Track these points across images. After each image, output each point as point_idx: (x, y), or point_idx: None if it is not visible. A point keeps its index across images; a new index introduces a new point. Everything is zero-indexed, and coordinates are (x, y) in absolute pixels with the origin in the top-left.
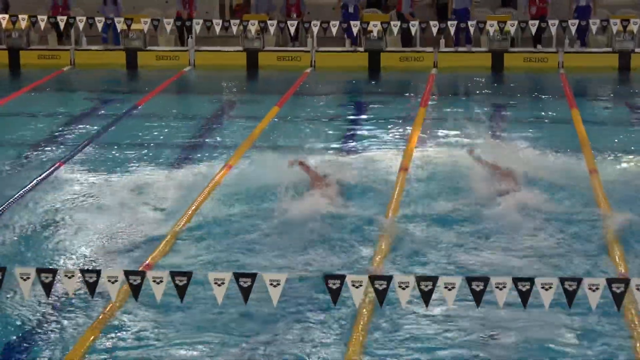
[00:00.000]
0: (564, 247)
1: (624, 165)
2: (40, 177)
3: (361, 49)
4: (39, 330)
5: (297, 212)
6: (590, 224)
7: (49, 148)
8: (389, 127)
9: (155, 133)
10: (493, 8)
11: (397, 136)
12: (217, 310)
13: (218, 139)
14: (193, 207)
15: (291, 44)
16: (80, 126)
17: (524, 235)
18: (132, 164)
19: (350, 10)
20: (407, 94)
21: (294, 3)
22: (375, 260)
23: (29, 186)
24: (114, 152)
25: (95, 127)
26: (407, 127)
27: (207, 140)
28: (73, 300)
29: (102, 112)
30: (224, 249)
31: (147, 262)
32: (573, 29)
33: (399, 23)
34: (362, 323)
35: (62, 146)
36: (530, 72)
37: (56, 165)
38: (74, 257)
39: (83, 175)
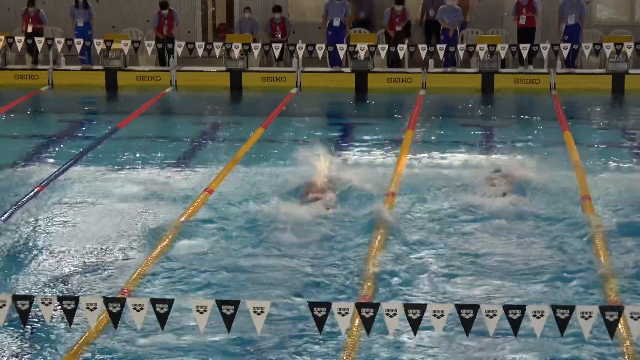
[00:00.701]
0: (556, 272)
1: (618, 189)
2: (17, 203)
3: (347, 69)
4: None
5: (280, 239)
6: (582, 250)
7: (26, 171)
8: (376, 149)
9: (136, 155)
10: (483, 28)
11: (384, 159)
12: (200, 336)
13: (200, 161)
14: (172, 232)
15: (276, 64)
16: (57, 149)
17: (518, 261)
18: (112, 188)
19: (336, 23)
20: (395, 116)
21: (279, 23)
22: (365, 287)
23: (8, 211)
24: (94, 175)
25: (74, 150)
26: (395, 150)
27: (188, 163)
28: (50, 328)
29: (82, 134)
30: (204, 274)
31: (125, 288)
32: (565, 52)
33: (386, 46)
34: (349, 351)
35: (40, 169)
36: (522, 93)
37: (35, 189)
38: (50, 283)
39: (62, 199)
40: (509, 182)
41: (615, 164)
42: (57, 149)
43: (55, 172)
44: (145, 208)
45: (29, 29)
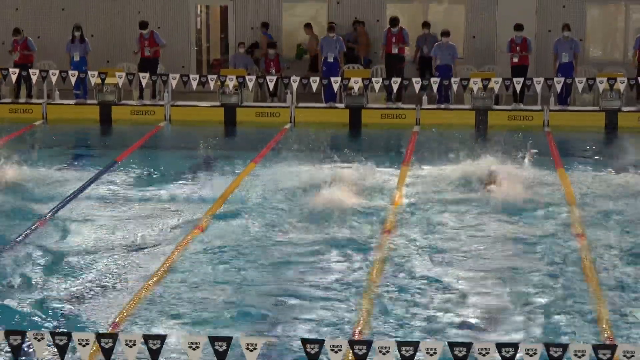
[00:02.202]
0: (552, 311)
1: (612, 227)
2: (17, 238)
3: (342, 105)
4: None
5: (270, 279)
6: (578, 290)
7: (23, 207)
8: (369, 186)
9: (127, 191)
10: (477, 65)
11: (378, 196)
12: None
13: (191, 197)
14: (162, 270)
15: (270, 100)
16: (52, 185)
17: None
18: (106, 222)
19: (330, 59)
20: (389, 152)
21: (273, 58)
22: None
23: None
24: (89, 210)
25: (68, 188)
26: (389, 187)
27: (180, 198)
28: None
29: (76, 169)
30: (194, 313)
31: (115, 321)
32: (558, 87)
33: (380, 79)
34: None
35: (35, 206)
36: (515, 130)
37: (36, 224)
38: (39, 319)
39: (57, 235)
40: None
41: (609, 200)
42: (53, 184)
43: (54, 207)
44: (137, 242)
45: (17, 57)
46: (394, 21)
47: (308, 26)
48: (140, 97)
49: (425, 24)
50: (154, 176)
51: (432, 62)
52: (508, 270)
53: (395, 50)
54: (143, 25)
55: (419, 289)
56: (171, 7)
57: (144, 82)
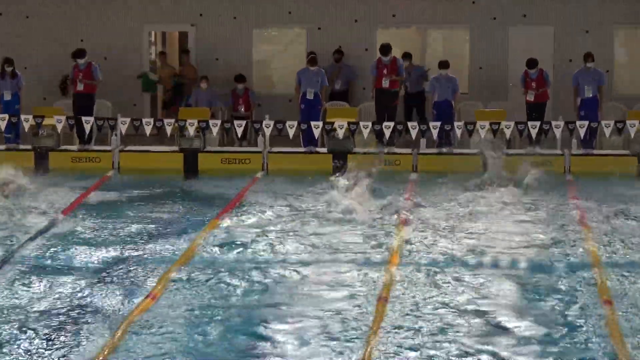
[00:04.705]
0: None
1: None
2: None
3: (324, 150)
4: None
5: None
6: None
7: None
8: (361, 243)
9: (69, 254)
10: (484, 101)
11: (371, 257)
12: None
13: (142, 261)
14: (106, 351)
15: (238, 144)
16: None
17: None
18: (43, 291)
19: (309, 96)
20: (380, 203)
21: (242, 95)
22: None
23: None
24: (26, 277)
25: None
26: (384, 247)
27: (128, 262)
28: None
29: (6, 228)
30: None
31: None
32: (582, 130)
33: (369, 124)
34: None
35: None
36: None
37: None
38: None
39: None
40: None
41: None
42: None
43: None
44: (78, 315)
45: None
46: (385, 49)
47: (162, 54)
48: (83, 141)
49: (407, 55)
50: (97, 238)
51: (420, 98)
52: None
53: (386, 84)
54: (79, 53)
55: None
56: (120, 34)
57: (87, 126)
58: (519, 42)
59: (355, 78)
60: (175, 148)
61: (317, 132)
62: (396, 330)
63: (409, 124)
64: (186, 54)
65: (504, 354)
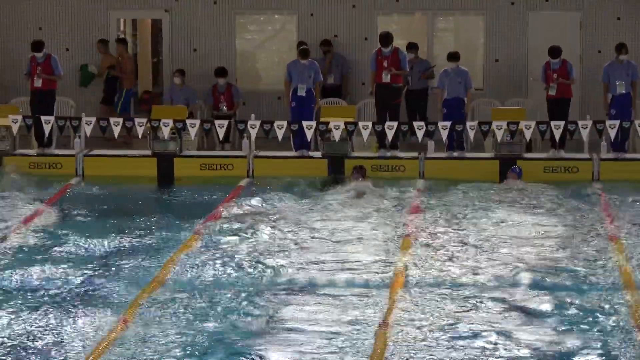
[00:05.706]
0: None
1: None
2: None
3: (318, 154)
4: None
5: None
6: None
7: None
8: (360, 259)
9: (32, 274)
10: (501, 98)
11: (373, 273)
12: None
13: (112, 282)
14: None
15: (220, 147)
16: None
17: None
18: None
19: (301, 92)
20: (381, 214)
21: (223, 91)
22: None
23: None
24: None
25: None
26: (387, 267)
27: (96, 284)
28: None
29: None
30: None
31: None
32: (612, 132)
33: (369, 124)
34: None
35: None
36: (554, 185)
37: None
38: None
39: None
40: None
41: None
42: None
43: None
44: (46, 340)
45: None
46: (386, 38)
47: (103, 42)
48: (42, 144)
49: (412, 46)
50: (58, 255)
51: (424, 96)
52: None
53: (386, 79)
54: (37, 46)
55: None
56: (84, 22)
57: (46, 127)
58: (541, 30)
59: (349, 70)
60: (148, 152)
61: (309, 134)
62: None
63: (415, 124)
64: (121, 43)
65: None
